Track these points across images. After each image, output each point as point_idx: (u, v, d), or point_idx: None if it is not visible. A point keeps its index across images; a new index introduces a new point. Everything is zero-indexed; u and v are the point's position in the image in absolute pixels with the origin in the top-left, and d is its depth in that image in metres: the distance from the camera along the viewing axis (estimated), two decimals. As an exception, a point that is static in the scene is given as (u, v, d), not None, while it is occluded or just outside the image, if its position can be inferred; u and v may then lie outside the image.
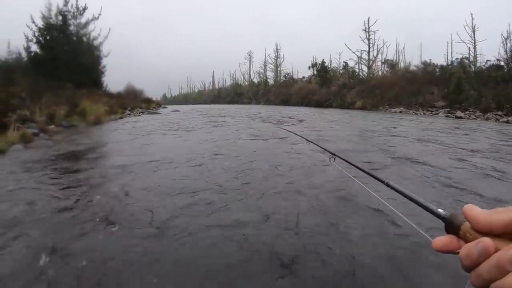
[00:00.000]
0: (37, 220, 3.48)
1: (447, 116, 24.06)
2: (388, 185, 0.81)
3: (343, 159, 1.33)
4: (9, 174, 5.66)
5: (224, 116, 20.36)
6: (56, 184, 5.07)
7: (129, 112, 22.52)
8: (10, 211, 3.74)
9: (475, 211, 0.44)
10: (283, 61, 66.18)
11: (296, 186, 4.63)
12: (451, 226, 0.48)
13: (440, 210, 0.54)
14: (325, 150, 1.55)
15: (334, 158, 1.44)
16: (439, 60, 45.64)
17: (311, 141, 1.86)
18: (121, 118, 19.35)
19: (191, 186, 4.70)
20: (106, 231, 3.20)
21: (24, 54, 22.05)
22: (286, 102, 49.33)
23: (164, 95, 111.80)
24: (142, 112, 24.14)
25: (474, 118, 22.51)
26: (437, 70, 36.35)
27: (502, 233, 0.41)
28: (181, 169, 5.89)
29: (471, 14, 37.10)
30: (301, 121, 17.13)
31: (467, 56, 36.38)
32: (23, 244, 2.93)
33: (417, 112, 27.62)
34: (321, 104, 39.84)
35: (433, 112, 26.63)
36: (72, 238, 3.03)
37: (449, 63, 37.29)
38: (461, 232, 0.46)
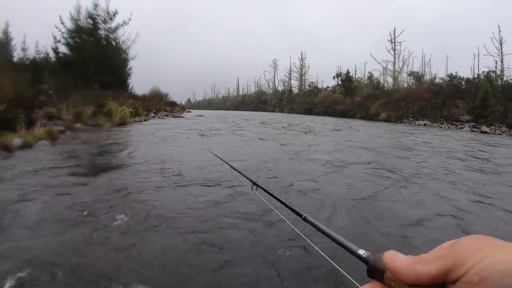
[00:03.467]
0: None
1: (472, 131, 22.76)
2: (305, 219, 0.77)
3: (263, 189, 1.22)
4: (35, 168, 5.50)
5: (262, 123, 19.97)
6: (77, 181, 4.80)
7: (153, 115, 22.45)
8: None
9: (396, 263, 0.39)
10: (308, 70, 65.86)
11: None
12: (375, 271, 0.43)
13: (361, 252, 0.49)
14: (247, 178, 1.43)
15: (257, 187, 1.32)
16: (466, 73, 44.37)
17: (235, 168, 1.70)
18: (145, 120, 19.25)
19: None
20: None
21: (52, 54, 22.43)
22: (309, 111, 48.65)
23: (189, 100, 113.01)
24: (167, 115, 24.03)
25: (499, 134, 21.20)
26: (463, 83, 34.79)
27: (429, 284, 0.37)
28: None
29: (499, 26, 35.77)
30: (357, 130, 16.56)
31: (494, 69, 34.92)
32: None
33: (442, 125, 26.47)
34: (344, 114, 39.02)
35: (457, 126, 25.35)
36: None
37: (475, 76, 35.72)
38: (385, 279, 0.41)
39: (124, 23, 25.67)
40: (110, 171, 5.63)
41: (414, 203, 4.32)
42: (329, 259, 0.84)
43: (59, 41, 22.47)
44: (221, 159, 2.16)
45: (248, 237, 3.14)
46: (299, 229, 1.04)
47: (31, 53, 21.74)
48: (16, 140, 7.59)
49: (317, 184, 5.14)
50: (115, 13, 25.24)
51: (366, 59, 76.41)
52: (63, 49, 22.83)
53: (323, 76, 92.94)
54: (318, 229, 0.68)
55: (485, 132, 21.80)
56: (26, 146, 7.66)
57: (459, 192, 4.89)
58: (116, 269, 2.44)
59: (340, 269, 0.76)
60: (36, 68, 18.47)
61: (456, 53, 64.11)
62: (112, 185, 4.64)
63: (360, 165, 6.83)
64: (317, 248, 0.91)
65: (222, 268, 2.56)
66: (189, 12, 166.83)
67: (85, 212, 3.50)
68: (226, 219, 3.54)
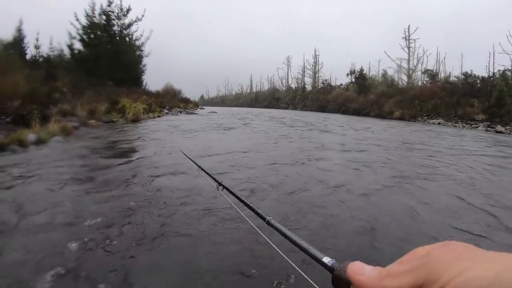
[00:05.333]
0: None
1: (486, 130, 22.13)
2: (268, 223, 0.75)
3: (229, 190, 1.23)
4: (47, 162, 5.47)
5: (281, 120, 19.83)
6: (94, 175, 4.78)
7: (167, 111, 22.42)
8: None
9: (362, 278, 0.36)
10: (321, 67, 65.09)
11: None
12: (340, 282, 0.40)
13: (326, 259, 0.47)
14: (214, 179, 1.41)
15: (223, 188, 1.32)
16: (481, 71, 43.30)
17: (202, 169, 1.66)
18: (159, 116, 19.20)
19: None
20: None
21: (66, 51, 22.56)
22: (323, 108, 48.12)
23: (202, 96, 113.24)
24: (180, 112, 23.99)
25: (515, 133, 20.52)
26: (478, 81, 33.77)
27: None
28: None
29: (515, 23, 34.78)
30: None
31: (510, 68, 33.41)
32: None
33: (456, 124, 25.89)
34: (358, 112, 38.36)
35: (472, 125, 24.75)
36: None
37: (491, 74, 34.62)
38: None
39: (138, 19, 25.69)
40: (121, 164, 5.55)
41: None
42: (293, 264, 0.78)
43: (74, 38, 22.55)
44: (189, 159, 2.06)
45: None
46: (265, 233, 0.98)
47: (45, 50, 21.80)
48: (31, 136, 7.59)
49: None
50: (128, 10, 25.25)
51: (379, 56, 75.39)
52: (78, 45, 22.90)
53: (336, 74, 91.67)
54: (282, 233, 0.65)
55: (500, 132, 21.20)
56: (40, 141, 7.65)
57: None
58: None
59: (303, 274, 0.71)
60: (49, 65, 18.63)
61: (471, 52, 62.59)
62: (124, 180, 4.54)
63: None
64: (281, 252, 0.85)
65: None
66: (198, 12, 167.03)
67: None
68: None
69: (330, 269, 0.44)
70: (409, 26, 48.62)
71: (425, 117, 30.53)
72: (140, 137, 9.62)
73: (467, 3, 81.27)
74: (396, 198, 4.39)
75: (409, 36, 48.77)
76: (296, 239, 0.58)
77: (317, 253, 0.50)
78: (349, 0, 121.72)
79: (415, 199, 4.32)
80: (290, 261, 0.79)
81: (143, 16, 25.89)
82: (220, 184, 1.34)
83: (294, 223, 3.36)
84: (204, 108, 36.60)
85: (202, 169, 1.65)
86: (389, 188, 4.83)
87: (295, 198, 4.17)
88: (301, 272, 0.73)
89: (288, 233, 0.62)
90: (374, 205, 4.04)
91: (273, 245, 0.90)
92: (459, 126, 25.15)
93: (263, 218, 0.79)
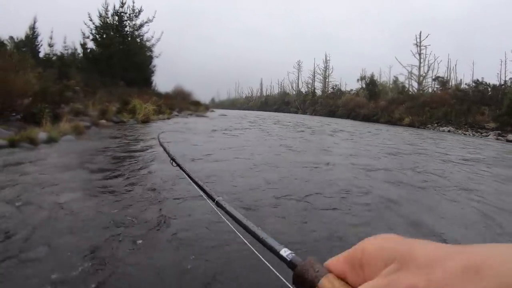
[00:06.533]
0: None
1: (497, 139, 21.65)
2: (218, 204, 0.68)
3: (180, 167, 1.24)
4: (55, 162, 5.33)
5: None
6: (103, 176, 4.61)
7: (176, 113, 22.31)
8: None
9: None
10: (331, 72, 64.78)
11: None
12: (303, 280, 0.33)
13: (284, 252, 0.39)
14: (167, 153, 1.49)
15: (176, 163, 1.36)
16: (492, 79, 42.70)
17: (162, 146, 1.76)
18: (168, 118, 19.04)
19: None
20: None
21: (80, 50, 22.63)
22: (332, 113, 47.75)
23: (213, 99, 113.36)
24: (190, 114, 23.83)
25: (527, 143, 19.87)
26: (489, 89, 33.32)
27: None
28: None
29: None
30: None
31: None
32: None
33: (466, 132, 25.43)
34: (368, 118, 37.95)
35: (482, 134, 24.31)
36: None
37: (502, 82, 34.22)
38: None
39: (149, 20, 25.71)
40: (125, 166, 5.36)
41: None
42: (250, 246, 0.65)
43: (88, 37, 22.64)
44: (163, 148, 1.91)
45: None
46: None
47: (58, 48, 21.89)
48: (42, 134, 7.45)
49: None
50: (140, 11, 25.31)
51: (389, 58, 74.87)
52: (90, 45, 23.04)
53: (346, 79, 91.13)
54: (231, 215, 0.57)
55: (511, 141, 20.79)
56: (51, 140, 7.50)
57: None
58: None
59: (264, 261, 0.57)
60: (62, 64, 18.60)
61: (482, 59, 61.92)
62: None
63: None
64: (237, 233, 0.66)
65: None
66: (207, 11, 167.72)
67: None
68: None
69: (290, 264, 0.37)
70: (420, 33, 48.30)
71: (435, 124, 30.19)
72: (151, 137, 9.47)
73: (480, 8, 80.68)
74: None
75: (420, 42, 48.42)
76: (249, 225, 0.50)
77: (274, 244, 0.42)
78: (356, 2, 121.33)
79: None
80: (248, 244, 0.66)
81: (154, 17, 25.98)
82: (172, 159, 1.40)
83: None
84: (214, 111, 36.49)
85: (161, 145, 1.75)
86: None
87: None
88: (258, 254, 0.62)
89: (239, 216, 0.54)
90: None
91: (229, 223, 0.72)
92: (469, 134, 24.75)
93: (212, 199, 0.72)
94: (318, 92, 65.64)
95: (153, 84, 28.23)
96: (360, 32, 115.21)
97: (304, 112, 58.97)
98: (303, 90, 72.09)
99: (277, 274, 0.50)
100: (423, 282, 0.23)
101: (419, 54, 48.58)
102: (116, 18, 24.30)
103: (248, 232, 0.50)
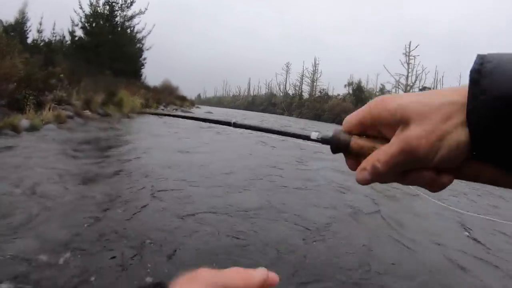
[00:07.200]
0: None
1: None
2: (235, 124, 0.72)
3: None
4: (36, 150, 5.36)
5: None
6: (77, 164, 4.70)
7: (163, 108, 22.21)
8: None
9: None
10: (320, 76, 65.17)
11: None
12: (339, 144, 0.43)
13: (314, 134, 0.47)
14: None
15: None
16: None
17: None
18: (156, 113, 19.07)
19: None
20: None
21: (68, 37, 22.30)
22: (318, 117, 48.29)
23: (199, 95, 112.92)
24: (176, 110, 23.80)
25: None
26: None
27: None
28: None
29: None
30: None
31: None
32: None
33: None
34: (353, 124, 38.66)
35: None
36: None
37: None
38: (352, 147, 0.41)
39: (141, 12, 25.43)
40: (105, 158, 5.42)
41: None
42: (283, 137, 0.64)
43: (77, 25, 22.32)
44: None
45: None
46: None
47: (47, 35, 21.51)
48: (24, 122, 7.40)
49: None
50: (132, 1, 24.98)
51: (377, 65, 75.75)
52: (79, 33, 22.67)
53: (334, 84, 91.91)
54: (252, 128, 0.61)
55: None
56: (33, 128, 7.47)
57: None
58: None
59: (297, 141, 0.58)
60: (49, 50, 18.31)
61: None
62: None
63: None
64: (265, 134, 0.71)
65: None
66: (198, 5, 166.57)
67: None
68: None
69: (324, 141, 0.45)
70: (410, 43, 49.15)
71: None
72: (135, 132, 9.48)
73: (468, 20, 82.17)
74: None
75: (409, 52, 49.17)
76: (273, 127, 0.57)
77: (303, 132, 0.49)
78: (349, 9, 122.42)
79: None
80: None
81: (146, 9, 25.69)
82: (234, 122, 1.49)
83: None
84: (200, 108, 36.39)
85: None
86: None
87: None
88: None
89: (260, 125, 0.60)
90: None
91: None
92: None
93: (229, 124, 0.76)
94: (305, 95, 66.18)
95: (143, 76, 28.00)
96: (350, 39, 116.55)
97: (290, 114, 59.34)
98: (291, 92, 72.58)
99: (315, 144, 0.55)
100: (422, 132, 0.32)
101: (408, 64, 49.39)
102: (107, 7, 23.94)
103: (275, 133, 0.56)
